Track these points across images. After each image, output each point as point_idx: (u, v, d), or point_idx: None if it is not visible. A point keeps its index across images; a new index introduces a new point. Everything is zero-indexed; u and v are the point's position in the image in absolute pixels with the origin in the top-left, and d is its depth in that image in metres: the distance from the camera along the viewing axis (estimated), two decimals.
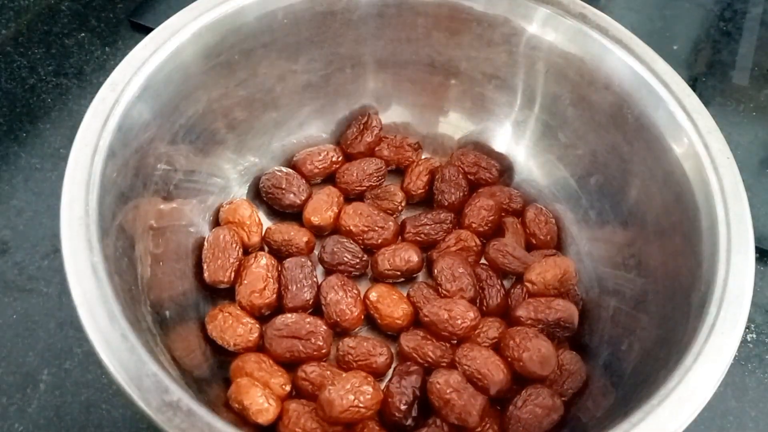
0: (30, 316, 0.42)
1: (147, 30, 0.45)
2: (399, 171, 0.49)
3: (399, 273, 0.43)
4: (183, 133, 0.40)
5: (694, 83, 0.57)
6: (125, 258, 0.33)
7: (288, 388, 0.37)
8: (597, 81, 0.41)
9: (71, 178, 0.32)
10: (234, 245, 0.41)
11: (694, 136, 0.37)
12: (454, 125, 0.50)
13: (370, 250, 0.44)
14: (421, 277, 0.45)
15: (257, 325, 0.39)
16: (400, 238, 0.45)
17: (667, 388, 0.29)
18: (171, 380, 0.28)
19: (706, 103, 0.38)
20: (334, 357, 0.40)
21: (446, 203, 0.46)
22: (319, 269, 0.44)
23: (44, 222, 0.46)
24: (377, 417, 0.37)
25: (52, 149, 0.50)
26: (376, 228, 0.44)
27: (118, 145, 0.34)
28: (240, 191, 0.46)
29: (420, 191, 0.47)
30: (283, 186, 0.45)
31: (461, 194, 0.46)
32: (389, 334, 0.42)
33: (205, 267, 0.41)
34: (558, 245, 0.46)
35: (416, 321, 0.41)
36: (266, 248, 0.44)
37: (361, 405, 0.35)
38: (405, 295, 0.42)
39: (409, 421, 0.37)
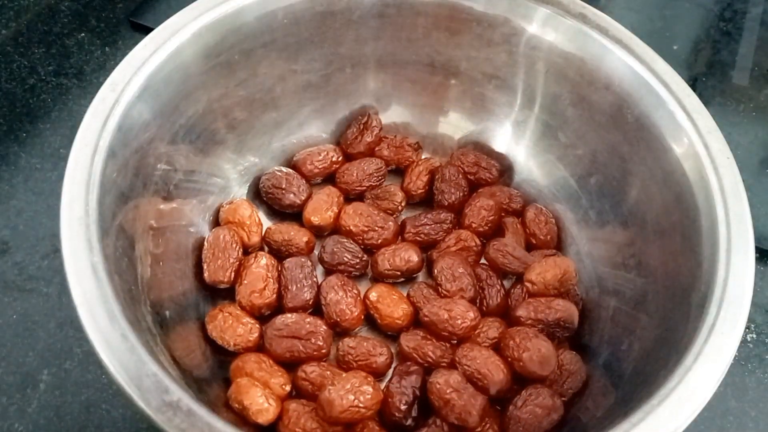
0: (30, 316, 0.42)
1: (147, 30, 0.45)
2: (399, 171, 0.49)
3: (399, 273, 0.43)
4: (183, 133, 0.40)
5: (694, 83, 0.57)
6: (125, 258, 0.33)
7: (288, 388, 0.37)
8: (597, 81, 0.41)
9: (71, 178, 0.32)
10: (234, 245, 0.41)
11: (694, 136, 0.37)
12: (454, 125, 0.50)
13: (370, 250, 0.44)
14: (421, 277, 0.45)
15: (257, 325, 0.39)
16: (400, 238, 0.45)
17: (667, 388, 0.29)
18: (171, 380, 0.28)
19: (706, 103, 0.38)
20: (334, 357, 0.40)
21: (446, 203, 0.46)
22: (319, 269, 0.44)
23: (44, 222, 0.46)
24: (377, 417, 0.37)
25: (52, 149, 0.50)
26: (376, 228, 0.44)
27: (118, 145, 0.34)
28: (240, 191, 0.46)
29: (420, 191, 0.47)
30: (283, 186, 0.45)
31: (461, 194, 0.46)
32: (389, 334, 0.42)
33: (205, 267, 0.41)
34: (558, 245, 0.46)
35: (416, 321, 0.41)
36: (266, 248, 0.44)
37: (361, 405, 0.35)
38: (405, 295, 0.42)
39: (409, 421, 0.37)
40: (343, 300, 0.40)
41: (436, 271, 0.42)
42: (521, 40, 0.43)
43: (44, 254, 0.45)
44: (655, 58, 0.40)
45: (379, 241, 0.44)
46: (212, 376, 0.37)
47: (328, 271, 0.43)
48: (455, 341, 0.40)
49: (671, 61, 0.40)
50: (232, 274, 0.41)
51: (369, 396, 0.35)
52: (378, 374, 0.39)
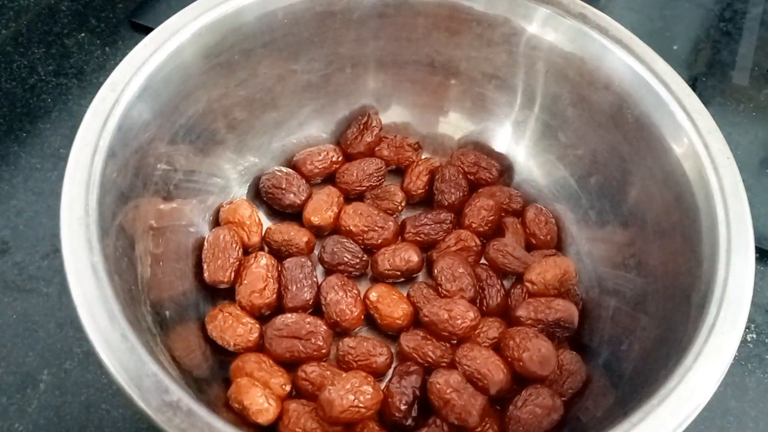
0: (30, 316, 0.42)
1: (147, 30, 0.45)
2: (399, 171, 0.49)
3: (399, 273, 0.43)
4: (183, 133, 0.40)
5: (694, 83, 0.57)
6: (125, 258, 0.33)
7: (288, 388, 0.37)
8: (597, 81, 0.41)
9: (71, 178, 0.32)
10: (234, 245, 0.41)
11: (694, 136, 0.37)
12: (454, 125, 0.50)
13: (370, 250, 0.44)
14: (421, 277, 0.45)
15: (257, 325, 0.39)
16: (400, 238, 0.45)
17: (667, 388, 0.29)
18: (171, 380, 0.28)
19: (706, 103, 0.38)
20: (334, 357, 0.40)
21: (446, 203, 0.46)
22: (319, 269, 0.44)
23: (44, 222, 0.46)
24: (377, 417, 0.37)
25: (52, 149, 0.50)
26: (376, 228, 0.44)
27: (118, 145, 0.34)
28: (240, 191, 0.46)
29: (420, 191, 0.47)
30: (283, 186, 0.45)
31: (461, 194, 0.46)
32: (389, 334, 0.42)
33: (205, 267, 0.41)
34: (558, 245, 0.46)
35: (416, 321, 0.41)
36: (266, 248, 0.44)
37: (361, 405, 0.35)
38: (405, 295, 0.42)
39: (409, 421, 0.37)
40: (343, 300, 0.40)
41: (436, 271, 0.42)
42: (521, 40, 0.43)
43: (44, 254, 0.45)
44: (655, 58, 0.40)
45: (379, 241, 0.44)
46: (212, 376, 0.37)
47: (328, 271, 0.43)
48: (455, 341, 0.40)
49: (671, 61, 0.40)
50: (232, 274, 0.41)
51: (369, 396, 0.35)
52: (378, 374, 0.39)
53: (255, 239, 0.43)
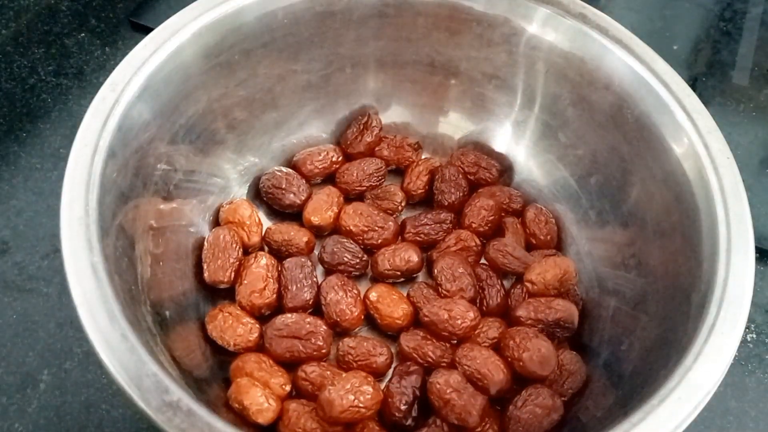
0: (30, 316, 0.42)
1: (147, 30, 0.45)
2: (399, 171, 0.49)
3: (399, 273, 0.43)
4: (183, 133, 0.40)
5: (694, 83, 0.57)
6: (125, 258, 0.33)
7: (288, 388, 0.37)
8: (597, 81, 0.41)
9: (71, 178, 0.32)
10: (234, 245, 0.41)
11: (694, 136, 0.37)
12: (454, 125, 0.50)
13: (370, 250, 0.44)
14: (421, 277, 0.45)
15: (257, 325, 0.39)
16: (400, 238, 0.45)
17: (667, 388, 0.29)
18: (171, 380, 0.28)
19: (706, 103, 0.38)
20: (334, 357, 0.40)
21: (446, 203, 0.46)
22: (319, 269, 0.44)
23: (44, 222, 0.46)
24: (377, 417, 0.37)
25: (52, 149, 0.50)
26: (376, 228, 0.44)
27: (118, 145, 0.34)
28: (240, 191, 0.46)
29: (420, 191, 0.47)
30: (283, 186, 0.45)
31: (461, 194, 0.46)
32: (389, 334, 0.42)
33: (205, 267, 0.41)
34: (558, 245, 0.46)
35: (416, 321, 0.41)
36: (266, 248, 0.44)
37: (361, 405, 0.35)
38: (405, 295, 0.42)
39: (409, 421, 0.37)
40: (343, 300, 0.40)
41: (436, 271, 0.42)
42: (521, 40, 0.43)
43: (44, 254, 0.45)
44: (655, 58, 0.40)
45: (379, 241, 0.44)
46: (212, 376, 0.37)
47: (328, 271, 0.43)
48: (455, 341, 0.40)
49: (671, 61, 0.40)
50: (232, 274, 0.41)
51: (369, 396, 0.35)
52: (378, 374, 0.39)
53: (255, 239, 0.43)
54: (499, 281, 0.43)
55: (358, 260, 0.43)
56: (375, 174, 0.47)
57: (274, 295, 0.41)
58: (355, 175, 0.47)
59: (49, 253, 0.45)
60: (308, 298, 0.41)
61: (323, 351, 0.39)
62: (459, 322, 0.39)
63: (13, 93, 0.53)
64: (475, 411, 0.35)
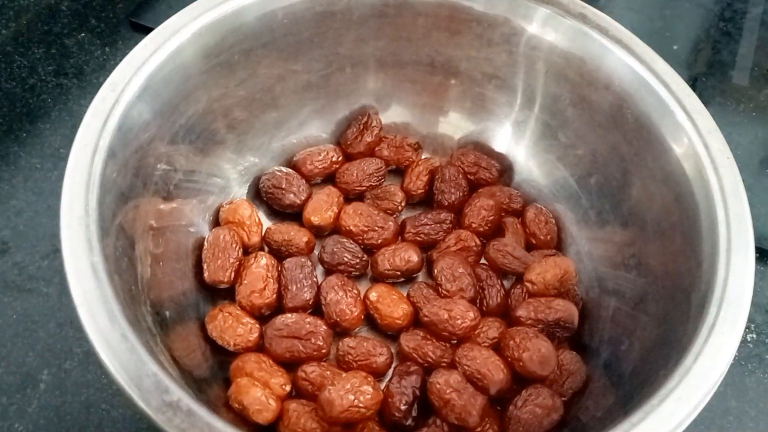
0: (30, 316, 0.42)
1: (147, 30, 0.45)
2: (399, 171, 0.49)
3: (399, 273, 0.43)
4: (183, 133, 0.40)
5: (694, 83, 0.57)
6: (125, 258, 0.33)
7: (288, 388, 0.37)
8: (597, 81, 0.41)
9: (71, 178, 0.32)
10: (234, 245, 0.41)
11: (694, 136, 0.37)
12: (454, 125, 0.50)
13: (370, 250, 0.44)
14: (421, 277, 0.45)
15: (257, 325, 0.39)
16: (400, 238, 0.45)
17: (667, 388, 0.29)
18: (171, 380, 0.28)
19: (706, 103, 0.38)
20: (334, 357, 0.40)
21: (446, 203, 0.46)
22: (319, 269, 0.44)
23: (44, 222, 0.46)
24: (377, 417, 0.37)
25: (52, 149, 0.50)
26: (376, 228, 0.44)
27: (118, 145, 0.34)
28: (240, 191, 0.46)
29: (420, 191, 0.47)
30: (283, 186, 0.45)
31: (461, 194, 0.46)
32: (389, 334, 0.42)
33: (205, 267, 0.41)
34: (558, 245, 0.46)
35: (416, 321, 0.41)
36: (266, 248, 0.44)
37: (361, 405, 0.35)
38: (405, 295, 0.42)
39: (409, 421, 0.37)
40: (343, 300, 0.40)
41: (436, 271, 0.42)
42: (521, 40, 0.43)
43: (44, 254, 0.45)
44: (655, 58, 0.40)
45: (379, 241, 0.44)
46: (212, 376, 0.37)
47: (328, 271, 0.43)
48: (455, 341, 0.40)
49: (671, 61, 0.40)
50: (232, 274, 0.41)
51: (369, 396, 0.35)
52: (378, 374, 0.39)
53: (255, 239, 0.43)
54: (499, 281, 0.43)
55: (358, 260, 0.43)
56: (375, 174, 0.47)
57: (274, 295, 0.41)
58: (355, 175, 0.47)
59: (49, 253, 0.45)
60: (308, 298, 0.41)
61: (323, 351, 0.39)
62: (459, 322, 0.39)
63: (13, 93, 0.53)
64: (475, 411, 0.35)
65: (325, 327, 0.39)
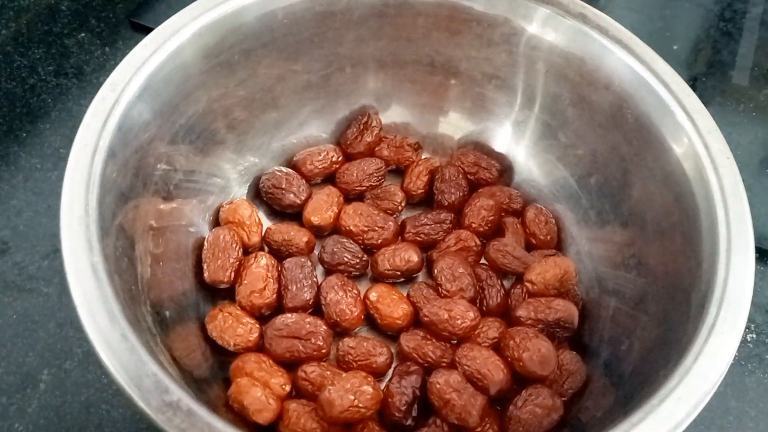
0: (30, 316, 0.42)
1: (147, 30, 0.45)
2: (399, 171, 0.49)
3: (399, 273, 0.43)
4: (183, 133, 0.40)
5: (694, 83, 0.57)
6: (125, 258, 0.33)
7: (288, 388, 0.37)
8: (597, 81, 0.41)
9: (71, 178, 0.32)
10: (234, 245, 0.41)
11: (694, 136, 0.37)
12: (454, 125, 0.50)
13: (370, 250, 0.44)
14: (421, 277, 0.45)
15: (257, 325, 0.39)
16: (400, 238, 0.45)
17: (667, 388, 0.29)
18: (171, 380, 0.28)
19: (706, 103, 0.38)
20: (334, 357, 0.40)
21: (446, 203, 0.46)
22: (319, 269, 0.44)
23: (44, 222, 0.46)
24: (377, 417, 0.37)
25: (52, 149, 0.50)
26: (376, 228, 0.44)
27: (118, 145, 0.34)
28: (240, 191, 0.46)
29: (420, 191, 0.47)
30: (283, 186, 0.45)
31: (461, 194, 0.46)
32: (389, 334, 0.42)
33: (205, 267, 0.41)
34: (558, 245, 0.46)
35: (416, 321, 0.41)
36: (266, 248, 0.44)
37: (361, 405, 0.35)
38: (405, 295, 0.42)
39: (409, 421, 0.37)
40: (343, 300, 0.40)
41: (436, 271, 0.42)
42: (521, 40, 0.43)
43: (44, 254, 0.45)
44: (655, 58, 0.40)
45: (379, 241, 0.44)
46: (212, 376, 0.37)
47: (328, 271, 0.43)
48: (455, 341, 0.40)
49: (671, 61, 0.40)
50: (232, 274, 0.41)
51: (369, 396, 0.35)
52: (378, 374, 0.39)
53: (255, 239, 0.43)
54: (499, 281, 0.43)
55: (358, 260, 0.43)
56: (375, 174, 0.47)
57: (274, 295, 0.41)
58: (355, 175, 0.47)
59: (49, 253, 0.45)
60: (308, 298, 0.41)
61: (323, 351, 0.39)
62: (459, 322, 0.39)
63: (13, 93, 0.53)
64: (475, 411, 0.35)
65: (325, 327, 0.39)
